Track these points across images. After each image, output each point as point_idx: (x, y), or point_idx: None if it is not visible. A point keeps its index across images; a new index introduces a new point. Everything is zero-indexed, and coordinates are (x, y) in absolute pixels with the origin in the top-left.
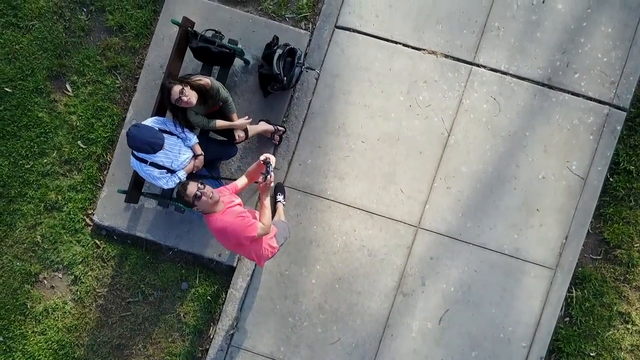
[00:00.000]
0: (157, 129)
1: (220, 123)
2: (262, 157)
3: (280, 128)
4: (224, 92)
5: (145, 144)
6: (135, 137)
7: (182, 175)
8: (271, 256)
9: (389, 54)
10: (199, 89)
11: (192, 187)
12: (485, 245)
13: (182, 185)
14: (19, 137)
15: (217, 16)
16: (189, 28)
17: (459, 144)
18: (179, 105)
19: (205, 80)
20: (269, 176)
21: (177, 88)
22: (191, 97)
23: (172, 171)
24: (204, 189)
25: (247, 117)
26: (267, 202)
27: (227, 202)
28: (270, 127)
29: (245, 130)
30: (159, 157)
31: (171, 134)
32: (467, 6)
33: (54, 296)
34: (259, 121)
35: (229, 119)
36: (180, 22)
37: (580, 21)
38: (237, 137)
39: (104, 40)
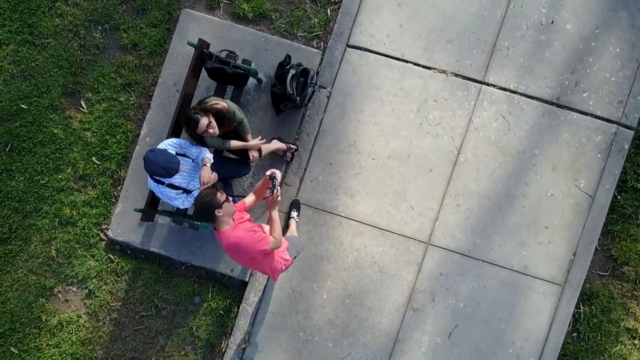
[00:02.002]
0: (175, 153)
1: (234, 143)
2: (267, 173)
3: (292, 146)
4: (239, 114)
5: (161, 168)
6: (151, 161)
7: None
8: (285, 269)
9: (399, 73)
10: (217, 114)
11: (204, 121)
12: (495, 262)
13: (205, 194)
14: (34, 153)
15: (230, 35)
16: (204, 49)
17: (468, 162)
18: (204, 136)
19: (222, 104)
20: (275, 190)
21: (204, 121)
22: (216, 127)
23: (188, 191)
24: (220, 193)
25: (260, 137)
26: (276, 216)
27: (237, 218)
28: (282, 146)
29: (259, 150)
30: (176, 179)
31: (187, 156)
32: (477, 26)
33: (69, 310)
34: (272, 139)
35: (244, 139)
36: (195, 43)
37: (588, 41)
38: (251, 157)
39: (118, 58)
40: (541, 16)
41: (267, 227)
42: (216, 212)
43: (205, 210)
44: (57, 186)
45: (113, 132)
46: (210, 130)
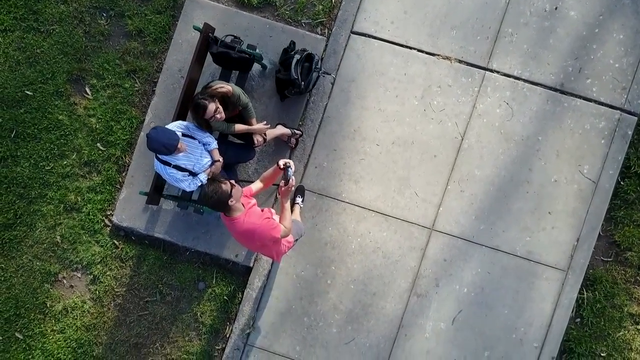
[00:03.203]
0: (181, 133)
1: (239, 127)
2: (280, 163)
3: (297, 132)
4: (244, 98)
5: (161, 145)
6: (153, 138)
7: (203, 178)
8: (287, 251)
9: (403, 60)
10: (222, 98)
11: (211, 106)
12: (498, 248)
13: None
14: (39, 140)
15: (235, 22)
16: (209, 34)
17: (472, 148)
18: (212, 121)
19: (227, 87)
20: (290, 180)
21: (212, 107)
22: (222, 112)
23: (194, 174)
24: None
25: (265, 122)
26: (288, 205)
27: (245, 203)
28: (287, 131)
29: (264, 135)
30: (181, 160)
31: (193, 137)
32: (481, 13)
33: (73, 295)
34: (276, 125)
35: (248, 123)
36: (201, 28)
37: (592, 28)
38: (256, 142)
39: (123, 44)
40: (545, 3)
41: (275, 215)
42: (229, 202)
43: (219, 206)
44: (62, 172)
45: (118, 119)
46: (218, 116)
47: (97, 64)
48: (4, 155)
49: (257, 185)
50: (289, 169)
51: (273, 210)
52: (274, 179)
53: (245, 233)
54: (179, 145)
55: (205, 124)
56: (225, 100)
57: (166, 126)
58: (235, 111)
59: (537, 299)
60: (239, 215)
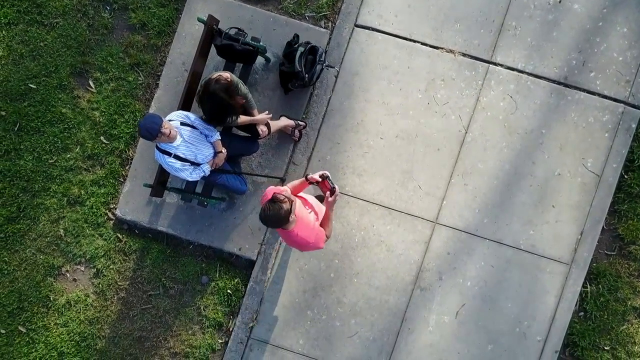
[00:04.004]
0: (179, 122)
1: (242, 119)
2: (316, 176)
3: (300, 123)
4: (243, 88)
5: (144, 129)
6: (139, 125)
7: (206, 168)
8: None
9: (407, 53)
10: (225, 89)
11: (268, 206)
12: (502, 241)
13: (262, 213)
14: (42, 133)
15: (238, 14)
16: (214, 26)
17: (476, 141)
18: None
19: (225, 74)
20: (336, 189)
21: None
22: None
23: (196, 164)
24: (277, 196)
25: (267, 112)
26: (333, 214)
27: (297, 211)
28: (291, 122)
29: (268, 126)
30: (180, 150)
31: (194, 127)
32: (485, 6)
33: (77, 289)
34: (280, 116)
35: (250, 114)
36: (205, 19)
37: (596, 21)
38: (260, 132)
39: (126, 37)
40: None
41: (314, 204)
42: (290, 218)
43: (280, 224)
44: (66, 165)
45: (121, 112)
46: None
47: (100, 57)
48: (7, 148)
49: (288, 192)
50: (329, 178)
51: (314, 201)
52: (300, 190)
53: (296, 243)
54: (163, 130)
55: (217, 122)
56: (229, 91)
57: (168, 115)
58: (238, 103)
59: (541, 293)
60: (292, 228)
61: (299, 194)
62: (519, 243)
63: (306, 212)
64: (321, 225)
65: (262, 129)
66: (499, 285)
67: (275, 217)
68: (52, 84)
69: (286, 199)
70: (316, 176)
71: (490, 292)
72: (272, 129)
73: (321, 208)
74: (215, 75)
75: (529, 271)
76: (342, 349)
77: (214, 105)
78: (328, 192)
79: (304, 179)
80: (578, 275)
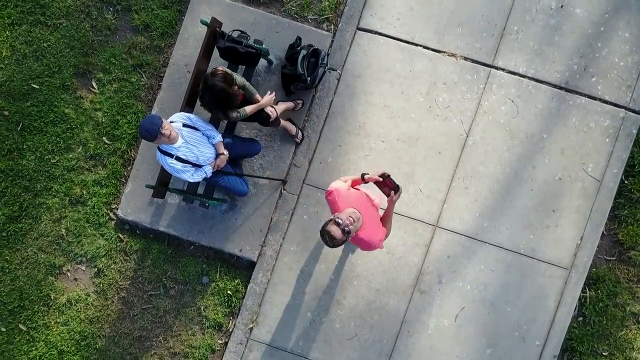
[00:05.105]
0: (182, 124)
1: (249, 108)
2: (376, 176)
3: (298, 101)
4: (239, 79)
5: (145, 130)
6: (140, 126)
7: (208, 170)
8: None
9: (409, 56)
10: (228, 80)
11: (336, 231)
12: (502, 245)
13: (328, 236)
14: (45, 133)
15: (241, 17)
16: (217, 28)
17: (477, 145)
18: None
19: (220, 68)
20: (400, 187)
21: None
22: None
23: (198, 166)
24: (344, 223)
25: (269, 92)
26: (392, 212)
27: (365, 212)
28: (290, 104)
29: (274, 106)
30: (182, 151)
31: (195, 129)
32: (487, 10)
33: (77, 288)
34: (277, 102)
35: (254, 101)
36: (208, 22)
37: (598, 26)
38: (270, 114)
39: (129, 38)
40: (551, 0)
41: (374, 198)
42: (349, 239)
43: (339, 245)
44: (68, 165)
45: (124, 113)
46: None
47: (103, 58)
48: (10, 148)
49: (348, 184)
50: (390, 177)
51: (377, 202)
52: (356, 185)
53: (363, 243)
54: (164, 131)
55: (225, 117)
56: (226, 79)
57: (170, 117)
58: (240, 97)
59: (540, 297)
60: (360, 231)
61: (359, 188)
62: (519, 247)
63: (372, 209)
64: (381, 222)
65: (270, 110)
66: (499, 289)
67: (329, 243)
68: (55, 84)
69: (337, 227)
70: (376, 176)
71: (490, 295)
72: (278, 111)
73: (377, 201)
74: (210, 70)
75: (528, 275)
76: (341, 351)
77: (214, 96)
78: (392, 191)
79: (360, 177)
80: (577, 280)
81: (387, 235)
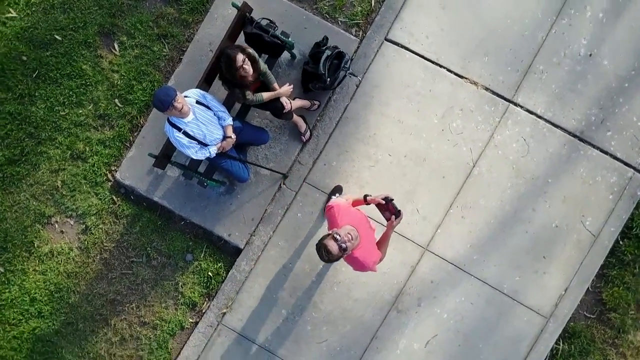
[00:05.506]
0: (195, 100)
1: (266, 94)
2: (379, 198)
3: (315, 102)
4: (262, 65)
5: (157, 100)
6: (154, 95)
7: (213, 150)
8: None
9: (431, 76)
10: (253, 60)
11: (333, 246)
12: (487, 281)
13: (324, 249)
14: (59, 84)
15: (272, 7)
16: (246, 13)
17: (482, 177)
18: (237, 74)
19: (250, 49)
20: (401, 212)
21: (240, 57)
22: (250, 67)
23: (204, 144)
24: (342, 239)
25: (288, 83)
26: (391, 236)
27: (362, 232)
28: (307, 102)
29: (290, 101)
30: (190, 127)
31: (208, 108)
32: (516, 45)
33: (62, 241)
34: (295, 98)
35: (272, 89)
36: (239, 5)
37: (623, 81)
38: (284, 104)
39: (159, 8)
40: (580, 47)
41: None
42: (344, 256)
43: (334, 261)
44: (76, 120)
45: (140, 79)
46: (246, 67)
47: (129, 22)
48: (22, 93)
49: (349, 203)
50: (393, 202)
51: (374, 226)
52: (357, 205)
53: (357, 263)
54: (176, 104)
55: (242, 96)
56: (253, 60)
57: (185, 91)
58: (257, 84)
59: (514, 340)
60: (355, 250)
61: (359, 208)
62: (503, 286)
63: (370, 231)
64: (377, 245)
65: (285, 101)
66: (475, 323)
67: (324, 257)
68: (78, 39)
69: (334, 242)
70: (378, 199)
71: (465, 328)
72: (293, 106)
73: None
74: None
75: (506, 316)
76: (307, 354)
77: (230, 62)
78: (393, 216)
79: (362, 197)
80: (554, 330)
81: (381, 259)
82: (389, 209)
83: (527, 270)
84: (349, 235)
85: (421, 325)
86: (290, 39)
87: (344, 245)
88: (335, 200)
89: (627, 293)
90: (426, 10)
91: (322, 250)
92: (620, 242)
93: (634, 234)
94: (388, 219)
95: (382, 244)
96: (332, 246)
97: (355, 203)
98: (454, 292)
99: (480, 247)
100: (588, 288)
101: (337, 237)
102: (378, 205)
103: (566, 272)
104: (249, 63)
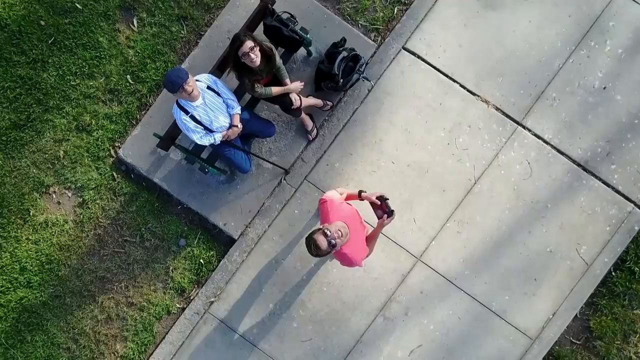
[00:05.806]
0: (207, 85)
1: (276, 89)
2: (373, 197)
3: (328, 102)
4: (279, 59)
5: (169, 81)
6: (166, 75)
7: (218, 137)
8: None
9: (444, 90)
10: (266, 53)
11: (322, 242)
12: (476, 297)
13: (313, 244)
14: (73, 54)
15: (296, 2)
16: (269, 4)
17: (482, 194)
18: (243, 60)
19: (270, 44)
20: (394, 213)
21: (249, 43)
22: (257, 57)
23: (209, 130)
24: (332, 235)
25: (300, 80)
26: (379, 235)
27: (353, 228)
28: (319, 101)
29: (300, 98)
30: (198, 111)
31: (218, 94)
32: (532, 70)
33: (58, 212)
34: (308, 95)
35: (283, 84)
36: None
37: (633, 117)
38: (293, 100)
39: None
40: (595, 79)
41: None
42: (334, 250)
43: (326, 254)
44: (86, 92)
45: (154, 58)
46: (252, 55)
47: (151, 0)
48: (35, 58)
49: (343, 197)
50: (387, 202)
51: (367, 228)
52: (350, 199)
53: (346, 259)
54: (186, 87)
55: (250, 86)
56: (268, 57)
57: (197, 75)
58: (270, 77)
59: (497, 358)
60: (343, 246)
61: (351, 203)
62: (491, 304)
63: (360, 227)
64: (366, 241)
65: (294, 97)
66: (460, 338)
67: (313, 252)
68: (98, 11)
69: (324, 238)
70: (373, 197)
71: (450, 341)
72: (303, 103)
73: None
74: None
75: (492, 333)
76: (291, 351)
77: (238, 45)
78: (385, 215)
79: (357, 193)
80: (538, 353)
81: (368, 255)
82: (382, 207)
83: (517, 290)
84: (339, 232)
85: (407, 334)
86: (308, 36)
87: (333, 241)
88: (329, 193)
89: (615, 323)
90: (448, 25)
91: (311, 244)
92: (613, 274)
93: (627, 267)
94: (380, 217)
95: (370, 240)
96: (322, 242)
97: (349, 197)
98: (442, 305)
99: (472, 263)
100: (576, 314)
101: (327, 232)
102: (372, 203)
103: (556, 297)
104: (257, 53)
